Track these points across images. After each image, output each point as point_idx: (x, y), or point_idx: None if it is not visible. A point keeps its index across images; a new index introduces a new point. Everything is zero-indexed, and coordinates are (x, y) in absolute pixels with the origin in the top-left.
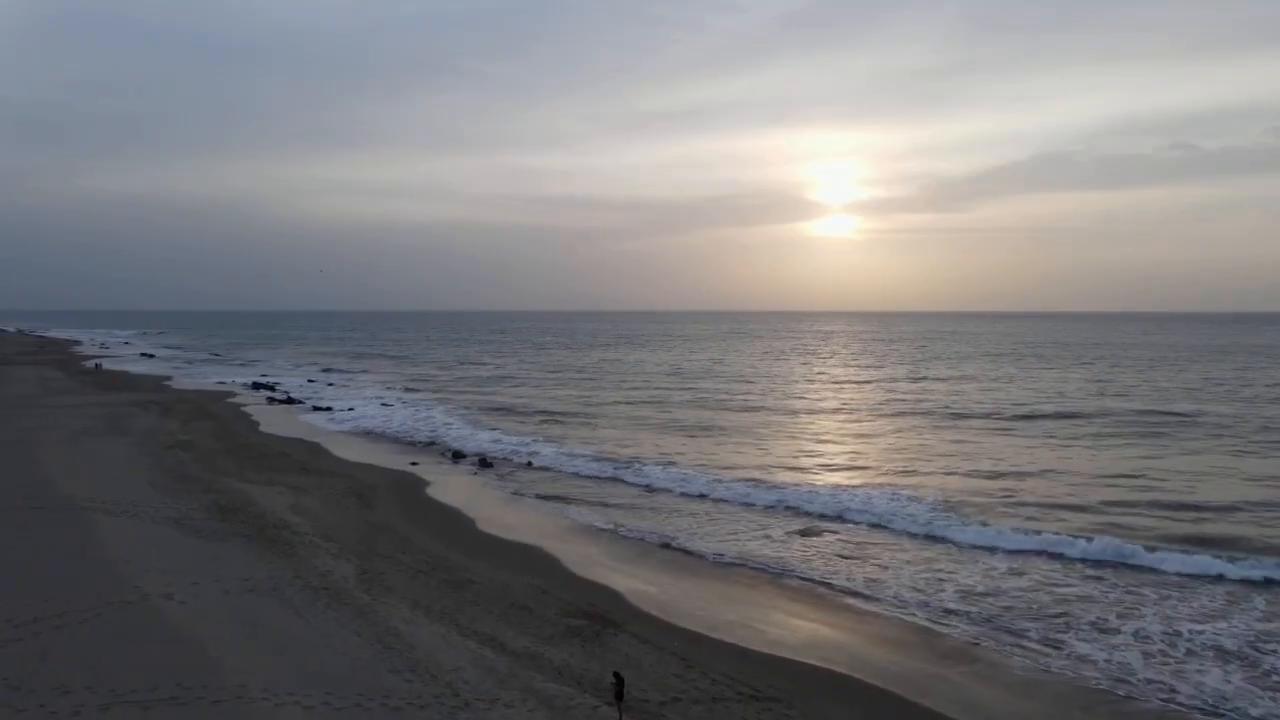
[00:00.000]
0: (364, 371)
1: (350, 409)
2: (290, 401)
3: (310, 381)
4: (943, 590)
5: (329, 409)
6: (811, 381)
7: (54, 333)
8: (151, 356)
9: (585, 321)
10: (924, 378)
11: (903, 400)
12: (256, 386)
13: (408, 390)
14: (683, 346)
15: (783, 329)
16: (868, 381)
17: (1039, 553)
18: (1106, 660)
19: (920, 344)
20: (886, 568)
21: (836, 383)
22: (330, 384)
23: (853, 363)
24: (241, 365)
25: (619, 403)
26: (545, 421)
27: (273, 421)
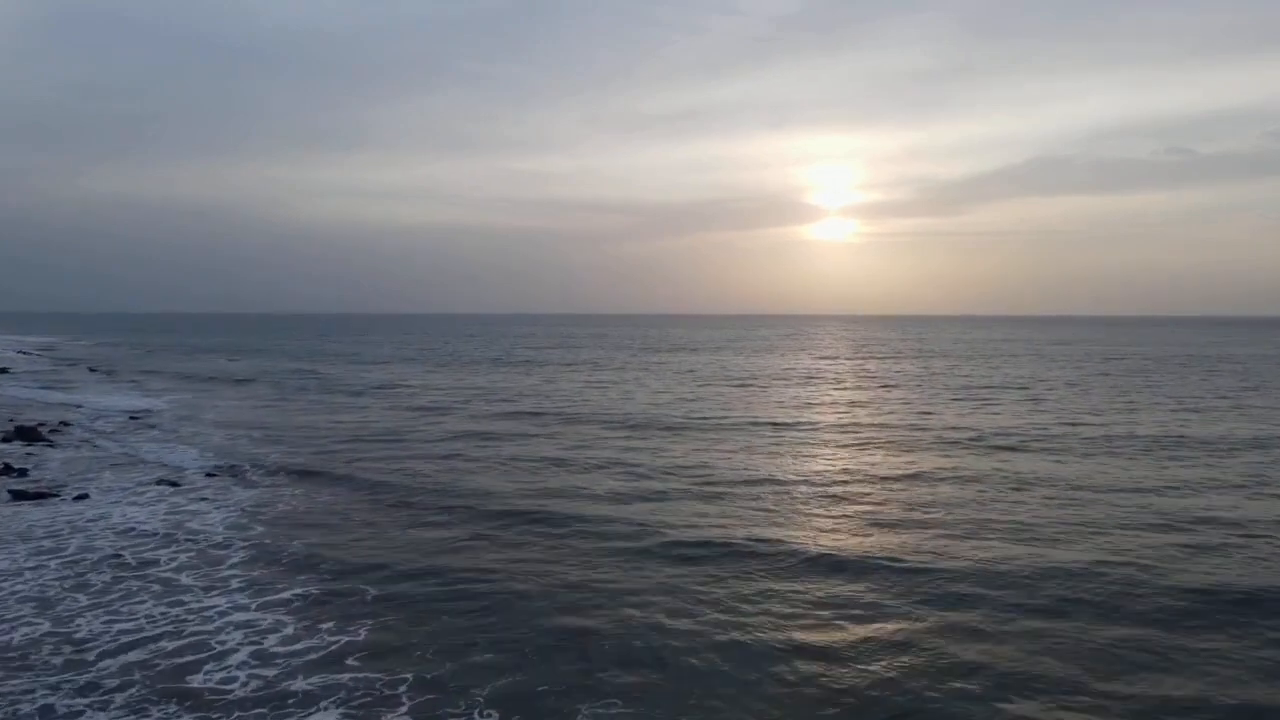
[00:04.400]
0: (227, 400)
1: (83, 496)
2: (7, 471)
3: (133, 419)
4: None
5: (45, 497)
6: (888, 431)
7: None
8: (4, 371)
9: (583, 325)
10: (1070, 421)
11: (1123, 504)
12: (20, 433)
13: (230, 469)
14: (684, 364)
15: (793, 336)
16: (986, 440)
17: None
18: None
19: (982, 359)
20: None
21: (930, 434)
22: (153, 425)
23: (921, 389)
24: (100, 388)
25: (586, 494)
26: (435, 556)
27: None
